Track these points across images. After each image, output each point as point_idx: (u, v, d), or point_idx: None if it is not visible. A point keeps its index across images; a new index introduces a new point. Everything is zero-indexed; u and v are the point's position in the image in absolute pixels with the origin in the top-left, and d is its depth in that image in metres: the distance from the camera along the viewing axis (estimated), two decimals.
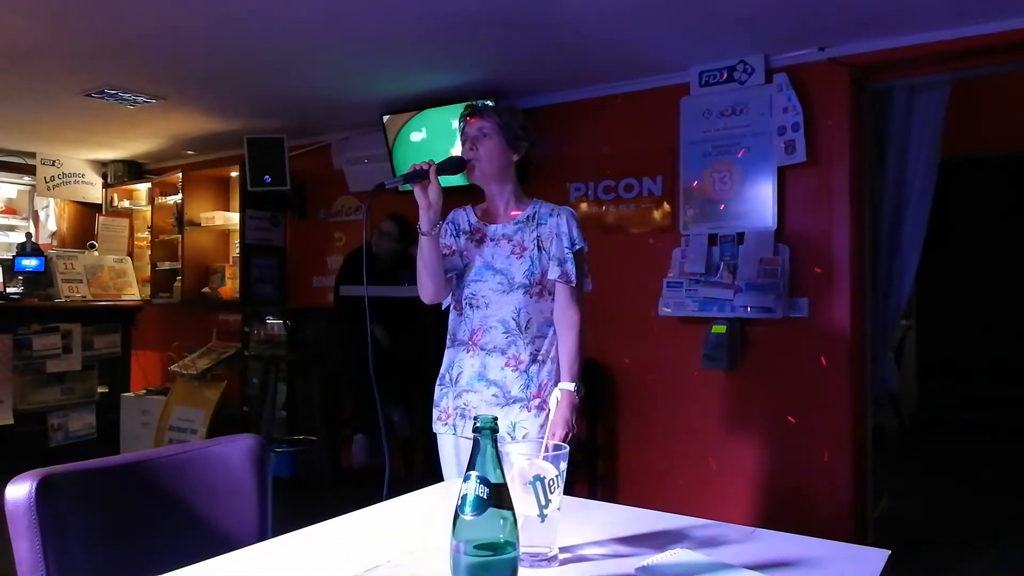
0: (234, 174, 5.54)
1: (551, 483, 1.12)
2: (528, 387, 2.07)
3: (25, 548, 1.17)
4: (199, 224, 5.65)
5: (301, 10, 2.97)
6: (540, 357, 2.10)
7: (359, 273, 4.34)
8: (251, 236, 5.26)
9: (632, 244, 3.88)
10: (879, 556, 1.13)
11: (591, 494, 3.72)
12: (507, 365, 2.07)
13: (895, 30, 3.15)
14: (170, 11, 2.99)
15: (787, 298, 3.36)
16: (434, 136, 4.28)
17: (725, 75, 3.55)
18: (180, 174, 5.68)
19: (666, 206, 3.81)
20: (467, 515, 0.99)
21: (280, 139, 4.89)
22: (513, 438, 2.05)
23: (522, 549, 1.05)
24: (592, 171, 4.01)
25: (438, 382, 2.19)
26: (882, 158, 3.58)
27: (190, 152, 5.77)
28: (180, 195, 5.65)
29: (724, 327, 3.46)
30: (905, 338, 6.04)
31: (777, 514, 3.42)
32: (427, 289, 2.10)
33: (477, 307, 2.11)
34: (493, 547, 0.99)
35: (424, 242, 2.02)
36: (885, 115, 3.55)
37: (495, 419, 1.03)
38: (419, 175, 1.95)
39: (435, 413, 2.19)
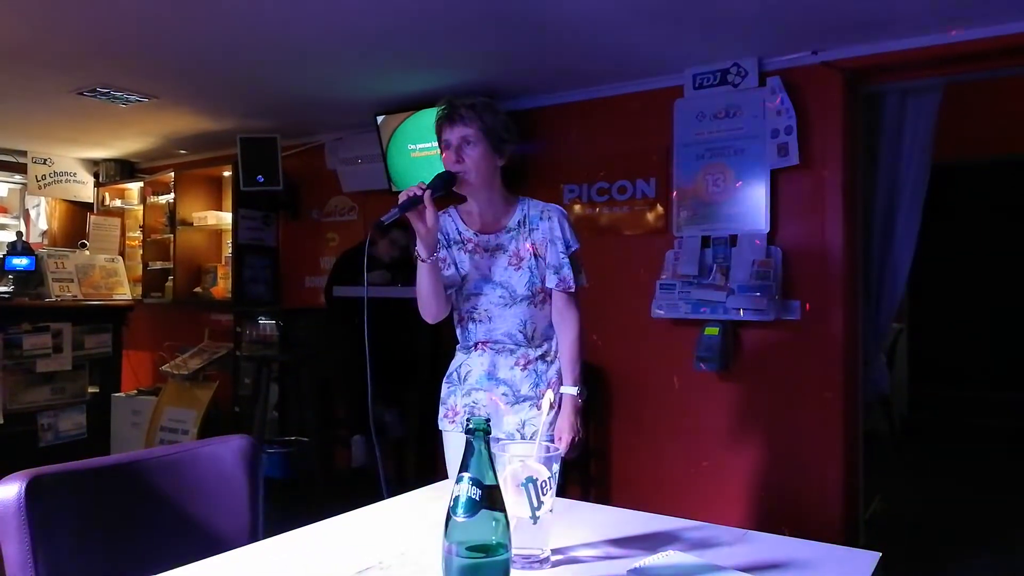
0: (227, 174, 5.52)
1: (543, 485, 1.12)
2: (538, 385, 2.07)
3: (14, 549, 1.16)
4: (191, 224, 5.63)
5: (295, 9, 2.96)
6: (549, 357, 2.11)
7: (352, 273, 4.36)
8: (243, 236, 5.23)
9: (625, 246, 3.88)
10: (870, 558, 1.14)
11: (584, 496, 3.72)
12: (516, 364, 2.08)
13: (888, 34, 3.16)
14: (163, 9, 2.98)
15: (779, 300, 3.37)
16: (431, 139, 4.28)
17: (719, 78, 3.56)
18: (172, 173, 5.65)
19: (659, 208, 3.81)
20: (459, 517, 0.99)
21: (273, 139, 4.88)
22: (523, 436, 2.05)
23: (514, 551, 1.05)
24: (586, 173, 4.02)
25: (445, 379, 2.19)
26: (874, 161, 3.59)
27: (182, 151, 5.75)
28: (172, 194, 5.63)
29: (717, 329, 3.47)
30: (897, 341, 6.07)
31: (769, 516, 3.43)
32: (431, 311, 2.04)
33: (480, 321, 2.09)
34: (485, 549, 0.99)
35: (424, 268, 1.95)
36: (878, 118, 3.56)
37: (488, 420, 1.03)
38: (414, 202, 1.85)
39: (441, 410, 2.17)
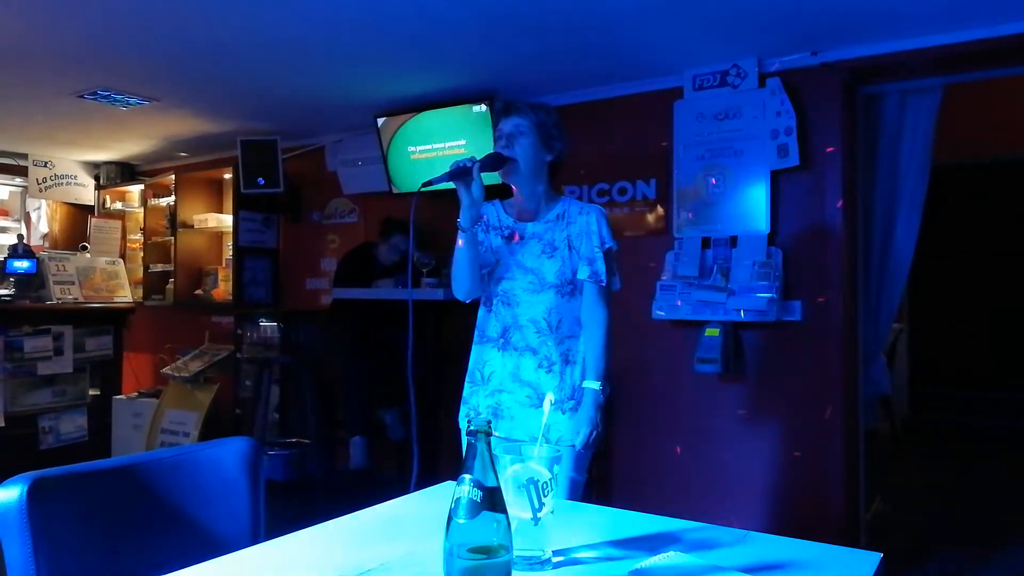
0: (227, 176, 5.53)
1: (544, 486, 1.12)
2: (562, 389, 2.08)
3: (16, 552, 1.16)
4: (192, 226, 5.64)
5: (294, 11, 2.96)
6: (572, 358, 2.12)
7: (355, 276, 4.37)
8: (244, 238, 5.24)
9: (626, 247, 3.82)
10: (871, 559, 1.14)
11: (584, 497, 3.71)
12: (540, 366, 2.09)
13: (887, 35, 3.17)
14: (163, 12, 2.98)
15: (780, 301, 3.37)
16: (431, 142, 4.29)
17: (718, 79, 3.56)
18: (173, 176, 5.66)
19: (660, 209, 3.81)
20: (461, 518, 0.99)
21: (273, 141, 4.88)
22: (547, 439, 2.05)
23: (515, 552, 1.05)
24: (586, 174, 4.02)
25: (467, 379, 2.20)
26: (874, 162, 3.60)
27: (183, 154, 5.75)
28: (173, 197, 5.63)
29: (717, 330, 3.47)
30: (897, 341, 6.07)
31: (770, 517, 3.42)
32: (463, 285, 2.10)
33: (508, 305, 2.12)
34: (487, 551, 0.99)
35: (464, 238, 2.03)
36: (877, 119, 3.57)
37: (489, 422, 1.04)
38: (462, 172, 1.96)
39: (462, 410, 2.20)
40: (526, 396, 2.09)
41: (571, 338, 2.12)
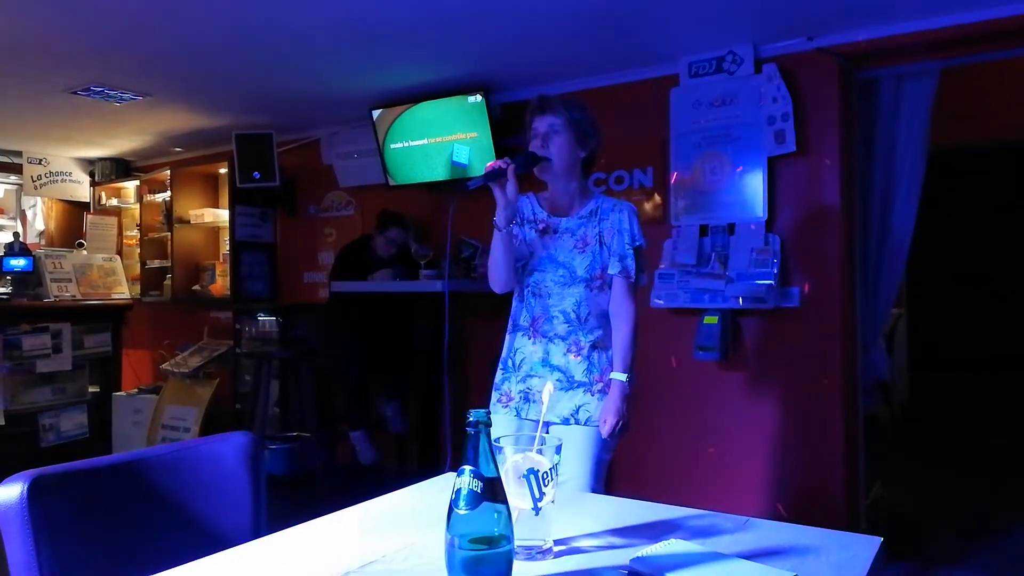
0: (223, 171, 5.51)
1: (545, 476, 1.12)
2: (591, 372, 2.16)
3: (18, 549, 1.16)
4: (188, 221, 5.62)
5: (288, 4, 2.95)
6: (600, 345, 2.19)
7: (352, 269, 4.37)
8: (241, 233, 5.23)
9: None
10: (871, 543, 1.14)
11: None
12: (569, 351, 2.16)
13: (883, 19, 3.16)
14: (156, 7, 2.96)
15: (778, 288, 3.37)
16: (427, 133, 4.28)
17: (714, 66, 3.55)
18: (168, 171, 5.64)
19: (657, 197, 3.81)
20: (461, 509, 0.99)
21: (269, 135, 4.86)
22: (577, 420, 2.14)
23: (517, 542, 1.05)
24: None
25: (500, 366, 2.27)
26: (871, 147, 3.59)
27: (178, 149, 5.73)
28: (169, 192, 5.62)
29: (716, 318, 3.47)
30: (896, 326, 6.07)
31: (770, 503, 3.44)
32: (499, 280, 2.17)
33: (539, 296, 2.19)
34: (488, 541, 0.99)
35: (499, 236, 2.09)
36: (874, 104, 3.55)
37: (488, 413, 1.04)
38: (498, 174, 2.01)
39: (494, 395, 2.26)
40: (556, 380, 2.16)
41: (599, 329, 2.19)
